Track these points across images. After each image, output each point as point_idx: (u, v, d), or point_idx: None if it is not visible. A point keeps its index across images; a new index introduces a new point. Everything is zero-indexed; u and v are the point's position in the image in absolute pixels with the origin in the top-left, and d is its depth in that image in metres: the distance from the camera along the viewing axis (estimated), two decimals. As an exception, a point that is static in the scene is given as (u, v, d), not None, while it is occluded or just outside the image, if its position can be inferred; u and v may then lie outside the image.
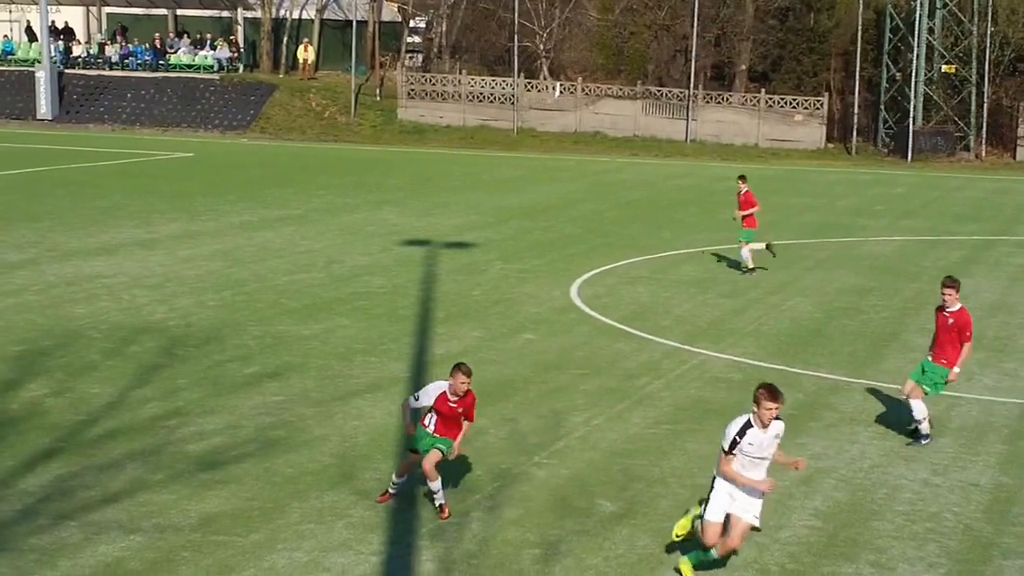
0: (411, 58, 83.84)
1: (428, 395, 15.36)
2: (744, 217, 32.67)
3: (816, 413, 20.10)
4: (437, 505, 15.32)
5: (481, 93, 77.61)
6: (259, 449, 17.69)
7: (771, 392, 13.10)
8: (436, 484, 15.23)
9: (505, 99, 76.94)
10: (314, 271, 31.71)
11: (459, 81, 78.28)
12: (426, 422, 15.51)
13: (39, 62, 77.82)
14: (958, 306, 18.88)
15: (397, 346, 23.69)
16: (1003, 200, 53.68)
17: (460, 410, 15.32)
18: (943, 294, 18.96)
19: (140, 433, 18.30)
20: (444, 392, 15.34)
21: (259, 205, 44.29)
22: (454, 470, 16.77)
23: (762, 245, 32.75)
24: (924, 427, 18.75)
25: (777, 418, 12.94)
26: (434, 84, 78.58)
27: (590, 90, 77.06)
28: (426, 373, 21.71)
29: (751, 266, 32.18)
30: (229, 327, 25.07)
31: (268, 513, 15.25)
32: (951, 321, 18.82)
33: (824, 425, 19.49)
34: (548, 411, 19.78)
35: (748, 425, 13.01)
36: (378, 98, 79.17)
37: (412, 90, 78.18)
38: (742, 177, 33.38)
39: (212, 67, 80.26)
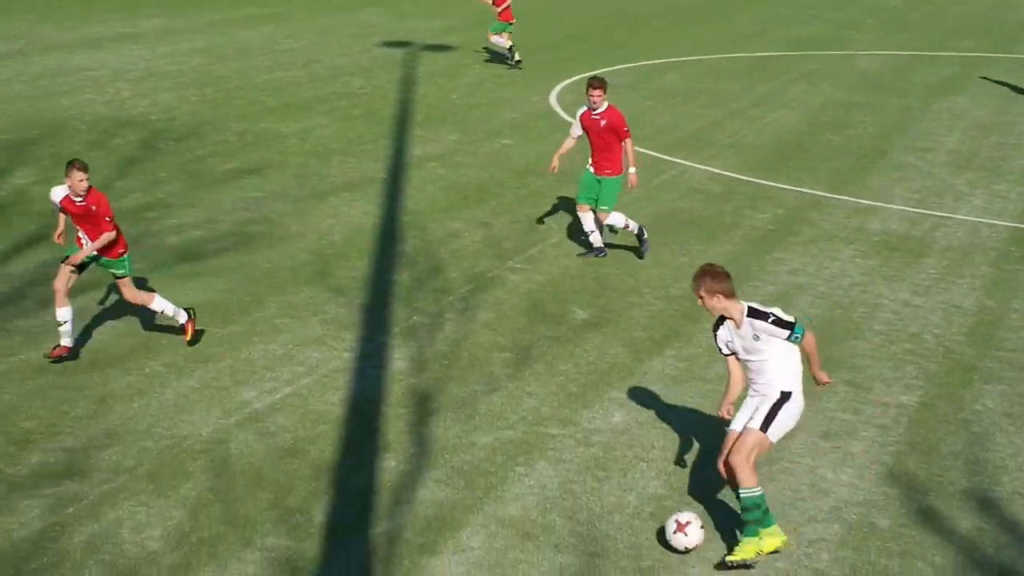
0: None
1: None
2: (501, 12, 33.46)
3: (795, 228, 20.04)
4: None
5: None
6: (237, 243, 17.96)
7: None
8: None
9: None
10: (294, 70, 31.66)
11: None
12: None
13: None
14: (606, 106, 17.50)
15: (374, 147, 23.83)
16: (1004, 16, 53.03)
17: (93, 208, 13.92)
18: (590, 96, 17.33)
19: (122, 223, 18.32)
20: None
21: (240, 2, 43.90)
22: (429, 271, 17.08)
23: (507, 43, 33.59)
24: (627, 227, 17.89)
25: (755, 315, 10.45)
26: None
27: None
28: (403, 174, 21.90)
29: (516, 58, 33.47)
30: (210, 123, 25.17)
31: (245, 306, 15.56)
32: (603, 123, 17.46)
33: (803, 240, 19.41)
34: (524, 216, 19.98)
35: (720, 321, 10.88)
36: None
37: None
38: None
39: None
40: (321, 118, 26.14)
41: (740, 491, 10.35)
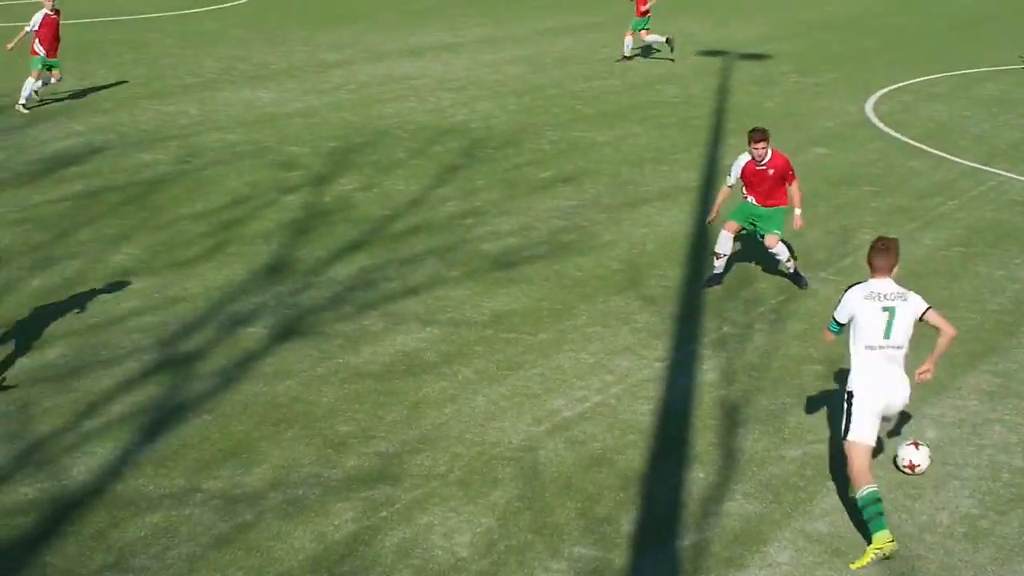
0: None
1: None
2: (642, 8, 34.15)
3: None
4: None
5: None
6: (550, 251, 18.23)
7: None
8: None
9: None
10: (611, 78, 31.93)
11: None
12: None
13: None
14: (771, 154, 16.56)
15: (687, 156, 23.85)
16: None
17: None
18: (754, 148, 16.33)
19: (439, 230, 19.03)
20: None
21: (562, 11, 44.50)
22: (742, 279, 17.01)
23: (661, 38, 33.95)
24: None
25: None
26: None
27: None
28: (715, 183, 21.81)
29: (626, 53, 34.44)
30: (527, 131, 25.61)
31: (557, 314, 15.79)
32: (771, 172, 16.58)
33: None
34: (837, 227, 19.74)
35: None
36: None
37: None
38: None
39: None
40: (635, 127, 26.30)
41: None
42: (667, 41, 34.21)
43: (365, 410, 12.97)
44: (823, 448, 12.41)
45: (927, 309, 11.20)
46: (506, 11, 43.88)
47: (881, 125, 27.12)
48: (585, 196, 21.08)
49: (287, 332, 14.91)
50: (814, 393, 13.67)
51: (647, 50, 35.79)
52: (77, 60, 31.29)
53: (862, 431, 10.85)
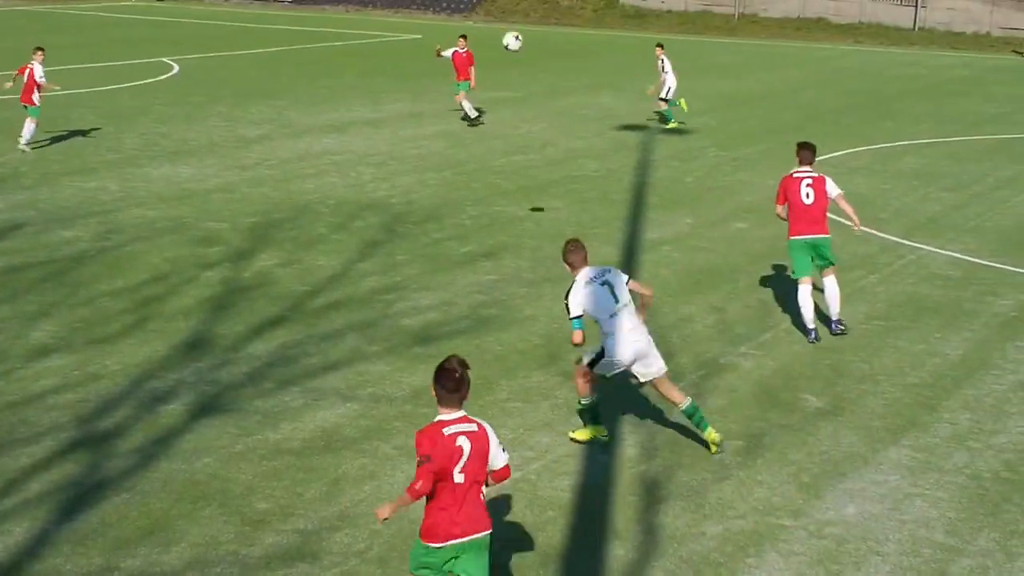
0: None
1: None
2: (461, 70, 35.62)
3: (1036, 316, 19.60)
4: None
5: (705, -23, 76.69)
6: (471, 326, 18.21)
7: None
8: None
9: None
10: (530, 153, 32.08)
11: (684, -35, 77.45)
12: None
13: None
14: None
15: (608, 230, 23.94)
16: None
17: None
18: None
19: (360, 305, 18.97)
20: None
21: (480, 87, 44.55)
22: (661, 356, 17.00)
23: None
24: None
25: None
26: (658, -32, 77.89)
27: (815, -27, 75.57)
28: (637, 258, 21.97)
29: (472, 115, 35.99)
30: (447, 206, 25.64)
31: (476, 389, 15.55)
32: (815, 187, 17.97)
33: (1046, 330, 18.93)
34: (756, 301, 19.86)
35: None
36: (602, -19, 78.81)
37: (636, -26, 77.64)
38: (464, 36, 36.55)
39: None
40: (556, 201, 26.39)
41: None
42: (478, 115, 35.90)
43: (284, 487, 12.85)
44: (743, 524, 12.40)
45: (628, 278, 13.95)
46: (425, 86, 44.01)
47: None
48: (506, 271, 21.10)
49: (206, 409, 14.77)
50: (734, 468, 13.68)
51: (565, 127, 36.02)
52: (-5, 135, 31.03)
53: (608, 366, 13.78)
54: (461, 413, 9.60)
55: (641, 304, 14.06)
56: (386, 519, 9.30)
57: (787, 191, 18.13)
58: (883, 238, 24.12)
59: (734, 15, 74.65)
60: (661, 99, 36.65)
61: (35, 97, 30.01)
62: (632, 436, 14.46)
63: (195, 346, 16.89)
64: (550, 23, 73.92)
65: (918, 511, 12.78)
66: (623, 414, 15.08)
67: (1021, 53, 31.44)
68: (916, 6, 72.60)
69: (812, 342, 17.88)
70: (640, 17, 74.81)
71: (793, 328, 18.50)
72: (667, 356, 16.79)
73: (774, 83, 48.72)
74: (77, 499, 12.44)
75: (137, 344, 16.89)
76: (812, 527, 12.34)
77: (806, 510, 12.74)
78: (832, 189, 18.06)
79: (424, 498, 9.34)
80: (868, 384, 16.40)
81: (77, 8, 71.85)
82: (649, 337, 13.94)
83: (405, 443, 13.98)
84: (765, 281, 20.96)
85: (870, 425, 14.99)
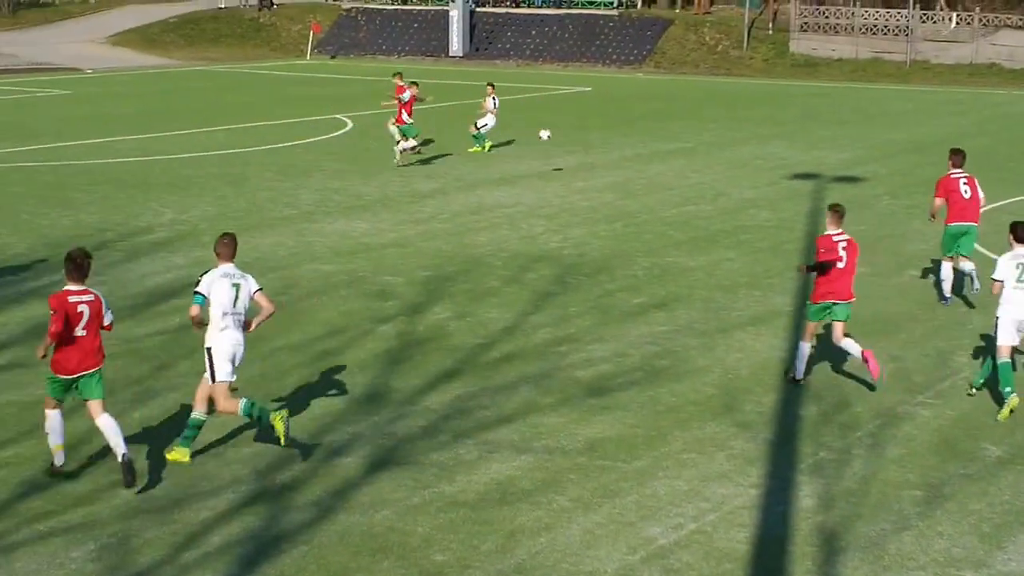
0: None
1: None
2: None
3: None
4: None
5: (874, 25, 75.99)
6: (644, 377, 18.23)
7: None
8: None
9: (899, 31, 75.09)
10: (702, 203, 32.05)
11: (852, 13, 76.88)
12: None
13: (453, 1, 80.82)
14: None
15: (781, 280, 23.82)
16: None
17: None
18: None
19: (533, 357, 19.11)
20: None
21: (651, 138, 44.86)
22: (836, 405, 16.89)
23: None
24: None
25: None
26: (827, 16, 77.42)
27: (988, 20, 74.41)
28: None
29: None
30: (619, 257, 25.73)
31: (651, 440, 15.75)
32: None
33: None
34: (933, 349, 19.61)
35: None
36: (770, 31, 78.51)
37: (805, 23, 77.25)
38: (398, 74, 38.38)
39: (611, 3, 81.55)
40: (728, 251, 26.33)
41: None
42: (414, 149, 37.63)
43: (460, 540, 12.98)
44: None
45: (258, 289, 15.19)
46: (596, 138, 44.24)
47: (976, 245, 26.87)
48: (678, 322, 21.10)
49: (382, 461, 14.99)
50: (914, 519, 13.51)
51: (737, 177, 35.95)
52: (177, 194, 31.94)
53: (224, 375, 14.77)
54: (83, 287, 14.09)
55: (259, 317, 15.22)
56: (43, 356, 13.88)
57: (946, 188, 22.46)
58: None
59: (906, 62, 73.80)
60: (476, 126, 40.25)
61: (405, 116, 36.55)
62: (808, 486, 14.35)
63: (371, 399, 17.16)
64: (719, 73, 73.84)
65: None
66: (799, 464, 14.97)
67: None
68: (1095, 48, 71.04)
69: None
70: (811, 66, 74.36)
71: (972, 375, 18.19)
72: (843, 406, 16.80)
73: (947, 130, 47.99)
74: (256, 552, 12.70)
75: (314, 398, 17.21)
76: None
77: (988, 561, 12.53)
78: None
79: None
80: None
81: (251, 67, 73.65)
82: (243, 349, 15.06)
83: (580, 495, 14.06)
84: (941, 328, 20.68)
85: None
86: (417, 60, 79.55)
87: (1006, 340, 17.00)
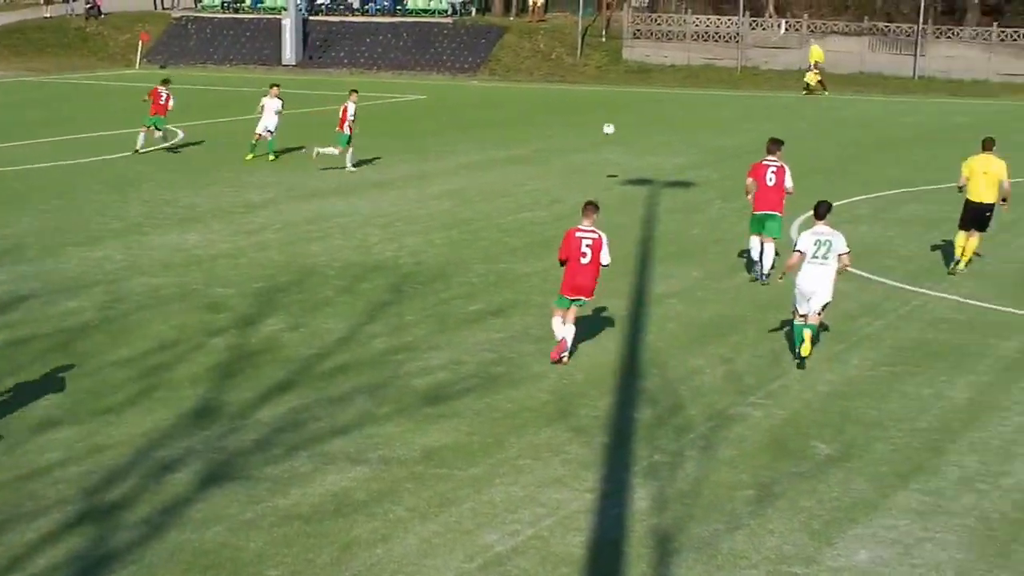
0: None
1: None
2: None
3: (1043, 358, 19.71)
4: None
5: (706, 32, 77.16)
6: (480, 384, 18.21)
7: None
8: None
9: (729, 37, 76.36)
10: (537, 210, 32.17)
11: (684, 20, 77.97)
12: None
13: (285, 10, 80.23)
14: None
15: (615, 285, 23.90)
16: None
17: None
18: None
19: (369, 367, 18.98)
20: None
21: (487, 146, 44.92)
22: (670, 408, 17.04)
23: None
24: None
25: None
26: (659, 24, 78.44)
27: (816, 26, 76.00)
28: (644, 312, 22.00)
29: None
30: (455, 264, 25.70)
31: (487, 447, 15.74)
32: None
33: (1052, 371, 19.06)
34: (766, 351, 19.88)
35: None
36: (604, 39, 79.20)
37: (638, 30, 78.12)
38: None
39: (446, 11, 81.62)
40: (563, 257, 26.39)
41: None
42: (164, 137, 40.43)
43: (294, 554, 12.82)
44: (756, 574, 12.39)
45: None
46: (431, 146, 44.19)
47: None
48: (514, 328, 21.12)
49: (214, 477, 14.75)
50: (746, 518, 13.66)
51: (572, 183, 36.16)
52: (2, 209, 31.17)
53: None
54: None
55: None
56: None
57: (755, 173, 24.52)
58: (888, 284, 24.18)
59: (736, 68, 75.02)
60: (268, 131, 40.30)
61: (345, 127, 37.75)
62: (643, 489, 14.45)
63: (203, 414, 16.89)
64: (554, 80, 74.28)
65: (928, 555, 12.76)
66: (634, 467, 15.06)
67: None
68: (915, 55, 72.94)
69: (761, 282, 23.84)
70: (644, 72, 75.17)
71: (803, 376, 18.54)
72: (677, 409, 16.96)
73: (777, 134, 48.55)
74: (83, 573, 12.41)
75: (144, 413, 16.86)
76: (824, 575, 12.32)
77: (818, 558, 12.73)
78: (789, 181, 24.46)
79: None
80: (877, 430, 16.41)
81: (79, 77, 72.28)
82: None
83: (416, 504, 13.99)
84: (773, 331, 20.98)
85: (879, 471, 14.99)
86: (249, 69, 78.74)
87: (799, 308, 19.14)
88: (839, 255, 19.11)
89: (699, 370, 18.82)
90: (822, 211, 19.59)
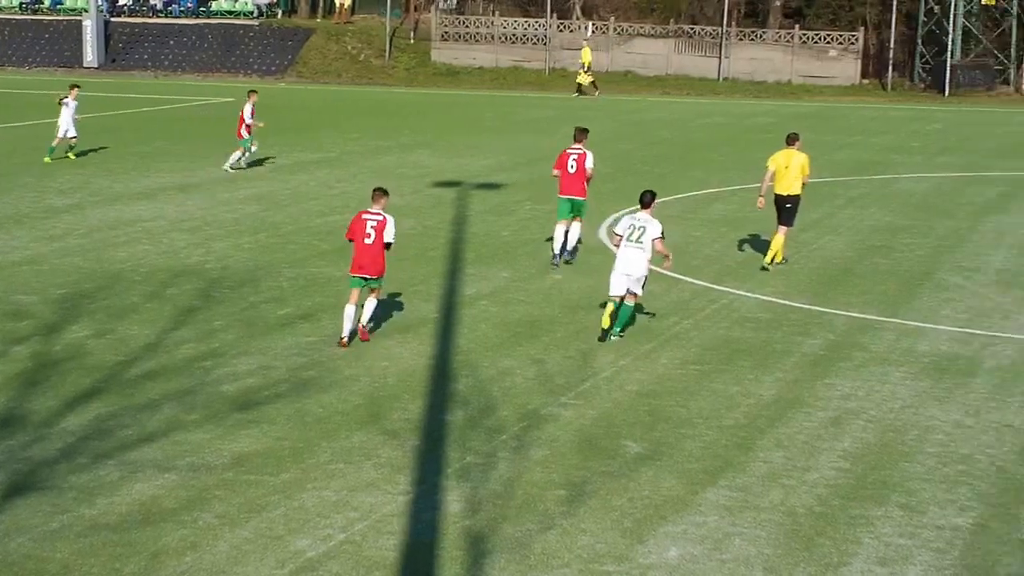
0: (446, 0, 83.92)
1: None
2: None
3: (846, 353, 20.18)
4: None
5: (514, 34, 77.68)
6: (291, 389, 18.05)
7: None
8: None
9: (537, 40, 76.97)
10: (347, 213, 31.85)
11: (492, 23, 78.35)
12: None
13: (86, 11, 78.58)
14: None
15: (426, 287, 23.99)
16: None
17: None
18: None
19: (177, 374, 18.68)
20: None
21: (295, 149, 44.60)
22: (482, 410, 17.08)
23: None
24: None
25: None
26: (467, 26, 78.75)
27: (622, 29, 76.99)
28: (455, 313, 22.03)
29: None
30: (264, 269, 25.44)
31: (298, 453, 15.60)
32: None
33: (854, 365, 19.55)
34: (576, 352, 20.04)
35: None
36: (412, 41, 79.30)
37: (446, 32, 78.37)
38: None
39: (251, 12, 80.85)
40: (374, 260, 26.28)
41: None
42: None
43: (102, 563, 12.55)
44: (568, 572, 12.47)
45: None
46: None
47: (615, 249, 27.65)
48: (325, 332, 20.97)
49: (18, 487, 14.38)
50: (558, 518, 13.75)
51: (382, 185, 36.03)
52: None
53: None
54: None
55: None
56: None
57: (559, 162, 26.11)
58: (695, 284, 24.57)
59: (545, 70, 75.63)
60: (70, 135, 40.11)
61: (243, 131, 38.34)
62: (456, 491, 14.45)
63: (5, 423, 16.46)
64: (362, 83, 74.07)
65: (737, 550, 12.98)
66: (447, 469, 15.06)
67: None
68: (720, 57, 74.34)
69: (554, 265, 25.63)
70: (452, 75, 75.41)
71: (613, 376, 18.74)
72: (489, 410, 16.99)
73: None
74: None
75: (-55, 424, 16.42)
76: (636, 572, 12.44)
77: (629, 555, 12.85)
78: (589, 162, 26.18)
79: None
80: (686, 428, 16.64)
81: None
82: None
83: (227, 511, 13.80)
84: (583, 331, 21.15)
85: (689, 468, 15.20)
86: (49, 71, 77.12)
87: (614, 290, 20.56)
88: (653, 240, 20.52)
89: (510, 371, 18.90)
90: (647, 200, 21.18)
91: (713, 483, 14.74)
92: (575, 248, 26.47)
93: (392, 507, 14.04)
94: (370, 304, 20.42)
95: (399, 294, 23.38)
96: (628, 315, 20.61)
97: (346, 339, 20.06)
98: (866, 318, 22.32)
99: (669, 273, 23.61)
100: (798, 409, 17.36)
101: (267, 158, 41.31)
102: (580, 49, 71.53)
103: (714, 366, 19.39)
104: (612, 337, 20.48)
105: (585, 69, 69.57)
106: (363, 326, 20.35)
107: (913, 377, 19.00)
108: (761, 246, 27.81)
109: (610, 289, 20.66)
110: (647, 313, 21.81)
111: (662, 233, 20.78)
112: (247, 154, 38.82)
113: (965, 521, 13.73)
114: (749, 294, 23.89)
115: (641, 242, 20.54)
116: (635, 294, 20.65)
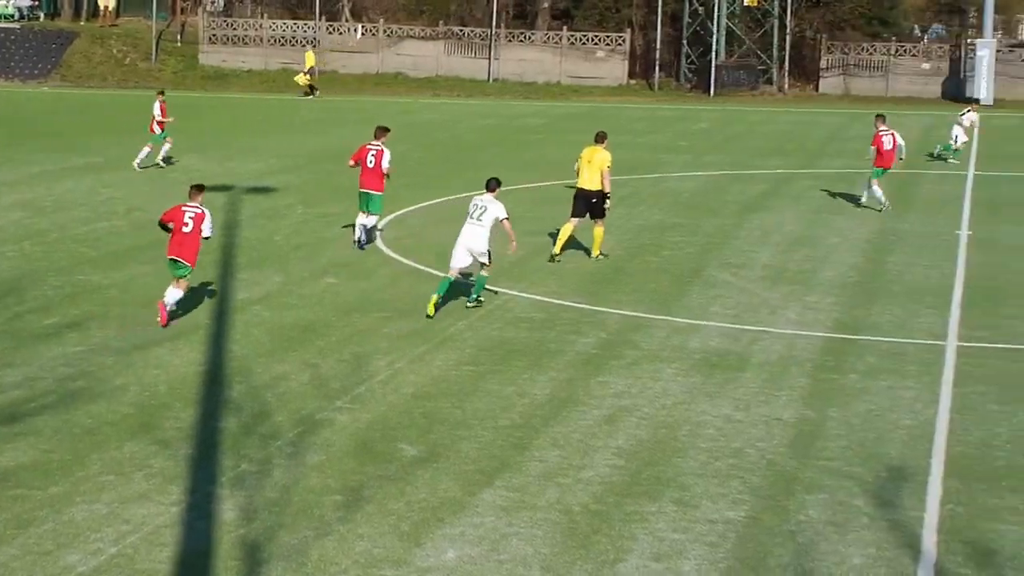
0: (212, 3, 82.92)
1: None
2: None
3: (618, 351, 20.40)
4: None
5: (283, 36, 77.12)
6: (58, 400, 17.60)
7: None
8: None
9: (307, 42, 76.50)
10: (115, 219, 31.39)
11: (260, 25, 77.69)
12: None
13: None
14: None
15: (197, 293, 23.61)
16: (806, 133, 55.02)
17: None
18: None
19: (-64, 389, 18.09)
20: None
21: (60, 154, 43.58)
22: (256, 416, 16.90)
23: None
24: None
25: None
26: (235, 28, 77.94)
27: (392, 31, 77.04)
28: (227, 319, 21.75)
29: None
30: (28, 278, 24.78)
31: (67, 465, 15.22)
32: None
33: (627, 363, 19.75)
34: (350, 355, 19.95)
35: None
36: (179, 44, 78.15)
37: (213, 35, 77.51)
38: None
39: (12, 15, 78.68)
40: (143, 267, 25.83)
41: None
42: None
43: None
44: (346, 578, 12.42)
45: None
46: (1, 157, 42.49)
47: (388, 251, 27.75)
48: (93, 341, 20.52)
49: None
50: (335, 523, 13.67)
51: (151, 191, 35.43)
52: None
53: None
54: None
55: None
56: None
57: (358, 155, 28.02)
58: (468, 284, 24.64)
59: (314, 72, 75.28)
60: None
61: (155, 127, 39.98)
62: (230, 500, 14.25)
63: None
64: (128, 86, 72.70)
65: (515, 550, 13.06)
66: (221, 477, 14.86)
67: None
68: (490, 58, 74.87)
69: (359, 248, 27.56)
70: (221, 78, 74.59)
71: (388, 380, 18.70)
72: (263, 416, 16.82)
73: (356, 138, 48.98)
74: None
75: None
76: (414, 575, 12.43)
77: (407, 559, 12.84)
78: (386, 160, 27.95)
79: None
80: (462, 429, 16.68)
81: None
82: None
83: (-9, 528, 13.41)
84: (357, 334, 21.08)
85: (465, 469, 15.24)
86: None
87: (455, 263, 22.60)
88: (498, 219, 22.69)
89: (284, 376, 18.74)
90: (492, 185, 23.28)
91: (490, 484, 14.81)
92: (371, 232, 28.39)
93: (165, 518, 13.79)
94: (175, 292, 21.28)
95: (169, 301, 22.98)
96: (483, 283, 22.90)
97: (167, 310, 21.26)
98: (638, 316, 22.63)
99: (442, 274, 23.68)
100: (572, 408, 17.54)
101: (32, 164, 40.26)
102: (305, 52, 72.03)
103: (489, 367, 19.47)
104: (468, 305, 22.76)
105: (306, 71, 69.84)
106: (165, 307, 21.22)
107: (684, 373, 19.29)
108: (535, 246, 28.05)
109: (451, 262, 22.64)
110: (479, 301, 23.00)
111: (507, 214, 22.90)
112: (161, 150, 40.00)
113: (737, 514, 14.01)
114: (522, 294, 24.07)
115: (481, 220, 22.59)
116: (485, 264, 22.62)
